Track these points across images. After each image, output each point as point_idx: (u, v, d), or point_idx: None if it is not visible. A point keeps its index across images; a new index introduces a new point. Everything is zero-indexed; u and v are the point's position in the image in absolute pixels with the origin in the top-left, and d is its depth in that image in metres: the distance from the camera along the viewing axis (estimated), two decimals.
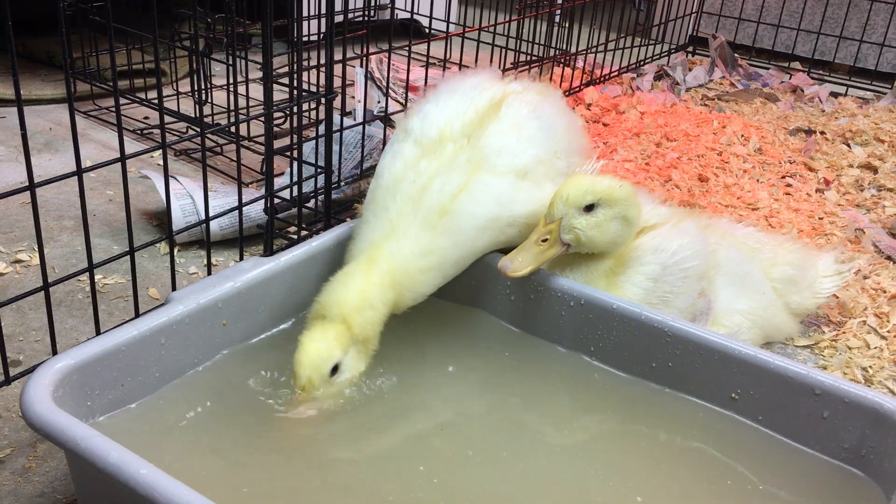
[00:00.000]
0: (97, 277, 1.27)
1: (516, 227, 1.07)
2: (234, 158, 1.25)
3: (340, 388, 0.95)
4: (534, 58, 2.19)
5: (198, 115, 1.67)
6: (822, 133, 2.15)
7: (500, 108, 1.09)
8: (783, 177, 1.86)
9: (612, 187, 1.03)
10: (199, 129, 1.10)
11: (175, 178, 1.43)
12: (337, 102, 1.37)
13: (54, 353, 0.99)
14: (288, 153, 1.34)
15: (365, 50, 1.48)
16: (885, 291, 1.41)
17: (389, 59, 1.49)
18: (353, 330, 0.95)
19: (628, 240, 1.08)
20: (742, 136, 2.04)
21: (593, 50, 2.35)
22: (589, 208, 1.03)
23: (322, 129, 1.33)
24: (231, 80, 1.70)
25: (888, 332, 1.31)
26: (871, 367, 1.23)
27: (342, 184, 1.50)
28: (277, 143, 1.46)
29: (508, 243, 1.08)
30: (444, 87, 1.14)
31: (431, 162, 1.04)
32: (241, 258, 1.27)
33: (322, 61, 1.60)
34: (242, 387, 0.95)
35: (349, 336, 0.95)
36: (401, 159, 1.06)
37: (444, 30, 2.25)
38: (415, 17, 1.88)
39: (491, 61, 2.12)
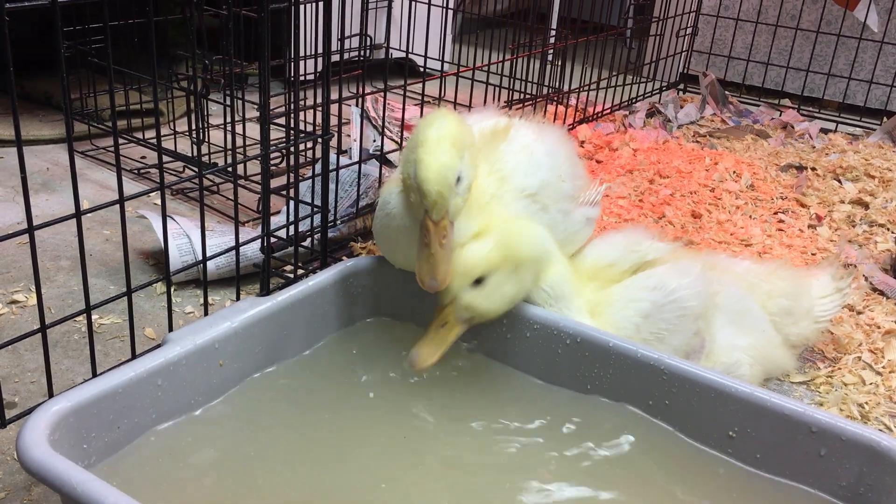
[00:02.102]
0: (93, 318, 1.27)
1: None
2: (230, 197, 1.26)
3: (463, 197, 0.98)
4: (527, 96, 2.21)
5: (195, 155, 1.68)
6: (814, 169, 2.17)
7: (508, 131, 1.13)
8: (775, 213, 1.88)
9: (491, 257, 1.00)
10: (196, 170, 1.11)
11: (172, 218, 1.43)
12: (333, 142, 1.39)
13: (50, 395, 0.98)
14: (284, 192, 1.35)
15: (360, 89, 1.50)
16: (879, 327, 1.42)
17: (385, 98, 1.51)
18: (458, 139, 0.97)
19: (533, 285, 1.06)
20: (734, 172, 2.06)
21: (586, 88, 2.38)
22: (478, 282, 1.00)
23: (318, 168, 1.34)
24: (228, 120, 1.72)
25: (883, 367, 1.31)
26: (867, 403, 1.23)
27: (338, 222, 1.51)
28: (274, 182, 1.47)
29: None
30: None
31: None
32: (238, 298, 1.27)
33: (318, 100, 1.61)
34: (240, 428, 0.95)
35: (460, 144, 0.97)
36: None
37: (439, 69, 2.27)
38: (410, 56, 1.91)
39: (485, 100, 2.14)
